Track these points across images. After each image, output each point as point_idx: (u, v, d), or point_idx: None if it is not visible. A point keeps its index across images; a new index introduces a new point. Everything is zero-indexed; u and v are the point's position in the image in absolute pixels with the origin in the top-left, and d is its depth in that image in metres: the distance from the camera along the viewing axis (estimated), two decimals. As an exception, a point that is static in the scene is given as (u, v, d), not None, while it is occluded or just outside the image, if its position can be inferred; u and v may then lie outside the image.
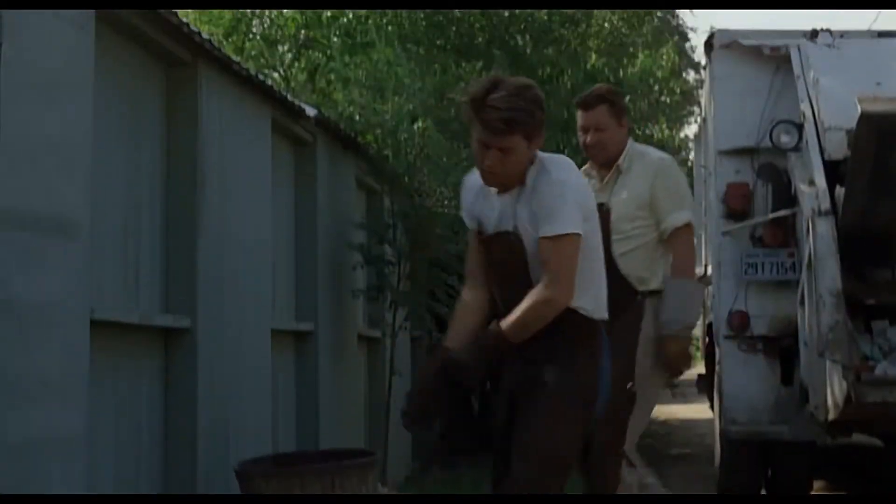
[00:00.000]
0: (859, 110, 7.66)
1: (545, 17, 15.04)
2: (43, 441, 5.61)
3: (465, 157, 11.26)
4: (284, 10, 15.33)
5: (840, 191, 8.30)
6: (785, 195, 9.53)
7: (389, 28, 13.62)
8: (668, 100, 18.25)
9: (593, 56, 16.01)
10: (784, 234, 9.56)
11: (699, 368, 12.62)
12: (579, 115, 6.80)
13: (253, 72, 8.73)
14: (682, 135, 21.22)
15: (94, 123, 6.24)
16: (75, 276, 5.99)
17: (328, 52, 14.55)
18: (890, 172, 7.91)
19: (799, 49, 9.67)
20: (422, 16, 14.78)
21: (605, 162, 6.69)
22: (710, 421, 12.16)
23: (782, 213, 9.48)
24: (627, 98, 16.11)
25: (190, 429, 7.49)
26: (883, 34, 10.26)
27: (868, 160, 7.89)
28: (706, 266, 11.33)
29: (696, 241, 13.35)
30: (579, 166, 5.55)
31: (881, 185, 8.01)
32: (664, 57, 17.53)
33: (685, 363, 6.54)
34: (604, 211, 5.67)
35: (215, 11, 15.06)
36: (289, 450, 9.22)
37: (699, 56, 28.59)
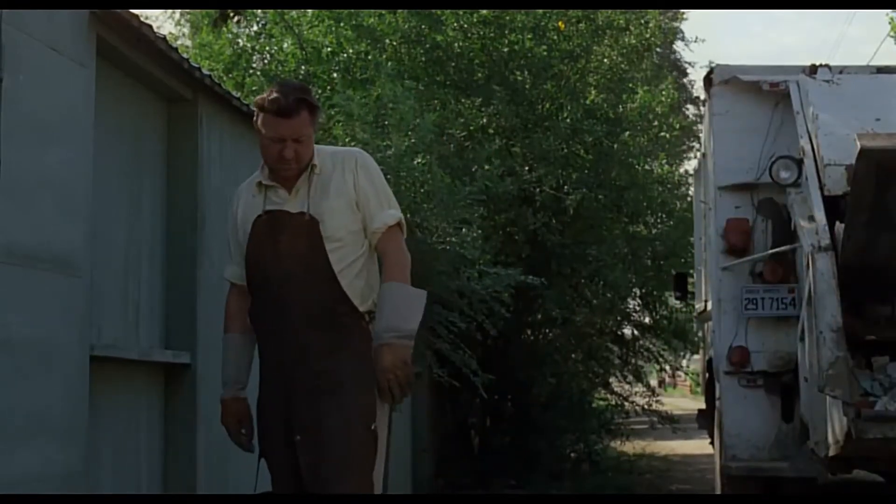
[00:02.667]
0: (858, 146, 7.68)
1: (545, 53, 15.05)
2: (42, 478, 5.60)
3: (467, 193, 11.26)
4: (284, 45, 15.38)
5: (840, 227, 8.31)
6: (785, 231, 9.54)
7: (389, 64, 13.64)
8: (667, 135, 18.27)
9: (592, 92, 16.03)
10: (784, 269, 9.56)
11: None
12: (278, 123, 5.18)
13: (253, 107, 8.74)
14: (681, 170, 21.22)
15: (94, 160, 6.25)
16: (75, 313, 5.99)
17: (328, 87, 14.58)
18: (889, 207, 7.92)
19: (798, 85, 9.70)
20: (421, 51, 14.82)
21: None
22: (711, 457, 12.13)
23: (782, 248, 9.49)
24: (627, 133, 16.16)
25: (189, 465, 7.47)
26: (882, 70, 10.29)
27: (867, 196, 7.91)
28: (706, 301, 11.32)
29: (695, 276, 13.45)
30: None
31: (880, 220, 8.02)
32: (663, 92, 17.56)
33: (405, 380, 5.09)
34: (307, 220, 5.13)
35: (215, 47, 15.11)
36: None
37: (698, 90, 28.74)
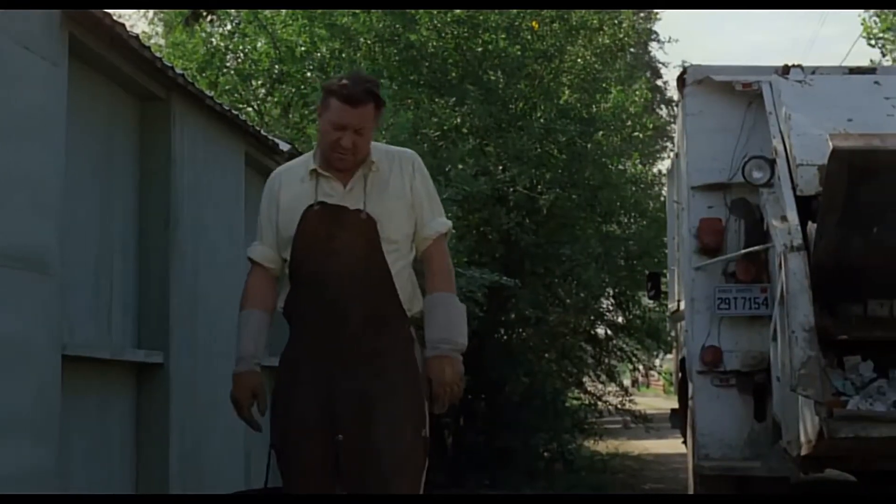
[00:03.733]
0: (830, 146, 7.70)
1: (518, 53, 15.06)
2: (13, 477, 5.58)
3: (445, 196, 11.26)
4: (258, 45, 15.36)
5: (812, 227, 8.33)
6: (757, 231, 9.56)
7: (363, 63, 13.63)
8: (640, 135, 18.29)
9: (566, 91, 16.03)
10: (757, 269, 9.57)
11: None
12: (343, 110, 5.14)
13: (226, 106, 8.74)
14: (654, 170, 21.25)
15: (66, 159, 6.24)
16: (47, 312, 5.97)
17: (302, 86, 14.57)
18: (860, 207, 7.95)
19: (771, 85, 9.71)
20: (395, 51, 14.81)
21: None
22: (684, 456, 12.15)
23: (755, 248, 9.50)
24: (600, 133, 16.18)
25: (162, 464, 7.46)
26: (854, 70, 10.32)
27: (839, 196, 7.93)
28: (679, 301, 11.35)
29: (668, 275, 13.47)
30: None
31: (852, 219, 8.05)
32: (637, 92, 17.58)
33: (459, 393, 5.17)
34: (364, 219, 5.09)
35: (189, 45, 15.08)
36: (261, 485, 9.17)
37: (672, 91, 28.81)
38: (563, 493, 12.55)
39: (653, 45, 30.45)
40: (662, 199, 16.65)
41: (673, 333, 13.54)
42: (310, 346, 5.18)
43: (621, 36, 17.21)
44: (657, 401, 34.90)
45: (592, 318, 17.96)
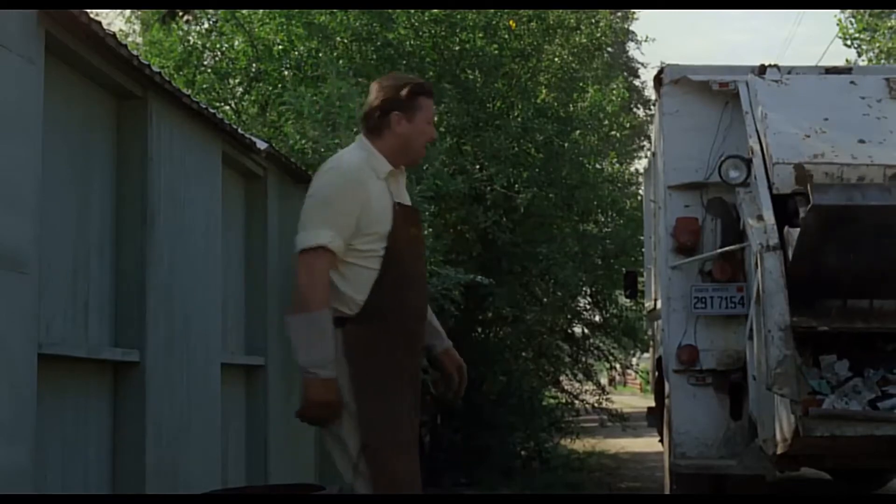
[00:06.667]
0: (811, 199, 7.70)
1: (496, 52, 15.07)
2: (-11, 476, 5.56)
3: (417, 191, 11.27)
4: (235, 43, 15.34)
5: (788, 230, 8.34)
6: (734, 230, 9.58)
7: (340, 62, 13.62)
8: (617, 134, 18.34)
9: (543, 90, 16.05)
10: (733, 268, 9.60)
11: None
12: (431, 106, 5.59)
13: (203, 105, 8.72)
14: (632, 169, 21.29)
15: (42, 157, 6.21)
16: (23, 311, 5.95)
17: (279, 85, 14.55)
18: (836, 244, 8.02)
19: (747, 85, 9.75)
20: (372, 49, 14.80)
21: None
22: (660, 454, 12.18)
23: (731, 247, 9.53)
24: (577, 132, 16.19)
25: (138, 463, 7.44)
26: (830, 70, 10.36)
27: (814, 240, 7.99)
28: (655, 300, 11.37)
29: (645, 274, 13.49)
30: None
31: (827, 254, 8.12)
32: (614, 92, 17.62)
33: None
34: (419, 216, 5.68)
35: (166, 44, 15.05)
36: (238, 484, 9.17)
37: (649, 91, 28.87)
38: (547, 494, 12.54)
39: (630, 45, 30.52)
40: (639, 198, 16.68)
41: (650, 332, 13.57)
42: (405, 342, 5.37)
43: (598, 35, 17.25)
44: (634, 399, 34.94)
45: (569, 316, 17.98)
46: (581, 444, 19.15)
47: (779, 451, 8.18)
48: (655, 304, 11.35)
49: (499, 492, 13.35)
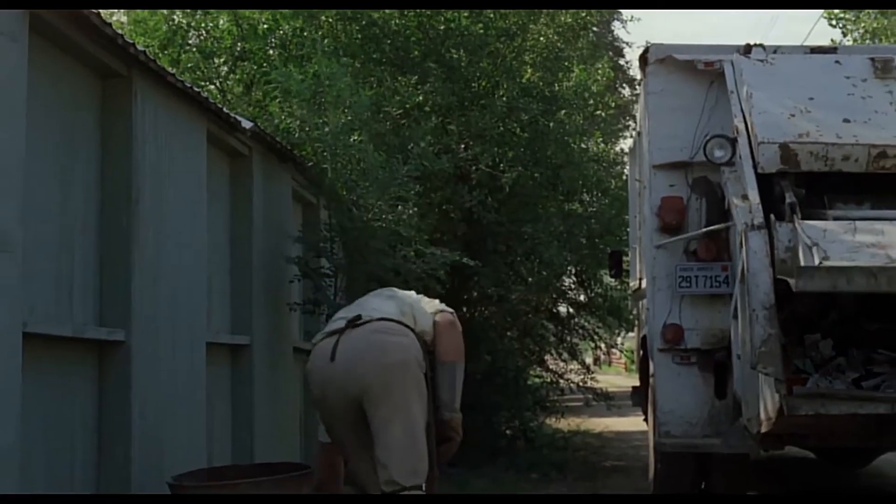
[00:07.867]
0: (794, 287, 7.70)
1: (481, 31, 15.03)
2: (-26, 455, 5.56)
3: (404, 172, 11.26)
4: (220, 22, 15.30)
5: (775, 221, 8.32)
6: (719, 209, 9.59)
7: (325, 41, 13.58)
8: (603, 114, 18.30)
9: (528, 70, 16.01)
10: (718, 247, 9.61)
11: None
12: None
13: (188, 84, 8.70)
14: (617, 148, 21.29)
15: (27, 135, 6.20)
16: (7, 289, 5.94)
17: (264, 63, 14.51)
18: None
19: (732, 64, 9.75)
20: (357, 28, 14.75)
21: None
22: (645, 433, 12.22)
23: (716, 227, 9.54)
24: (563, 112, 16.17)
25: (124, 441, 7.44)
26: (815, 50, 10.37)
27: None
28: (640, 279, 11.39)
29: (630, 254, 13.50)
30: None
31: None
32: (599, 71, 17.60)
33: None
34: None
35: (150, 22, 15.00)
36: (223, 463, 9.18)
37: (634, 71, 28.85)
38: (547, 494, 12.50)
39: (615, 25, 30.43)
40: (624, 177, 16.68)
41: (634, 311, 13.60)
42: None
43: (583, 15, 17.23)
44: (619, 379, 35.03)
45: (554, 296, 17.98)
46: (566, 423, 19.18)
47: (763, 430, 8.19)
48: (640, 284, 11.37)
49: (483, 472, 13.35)
